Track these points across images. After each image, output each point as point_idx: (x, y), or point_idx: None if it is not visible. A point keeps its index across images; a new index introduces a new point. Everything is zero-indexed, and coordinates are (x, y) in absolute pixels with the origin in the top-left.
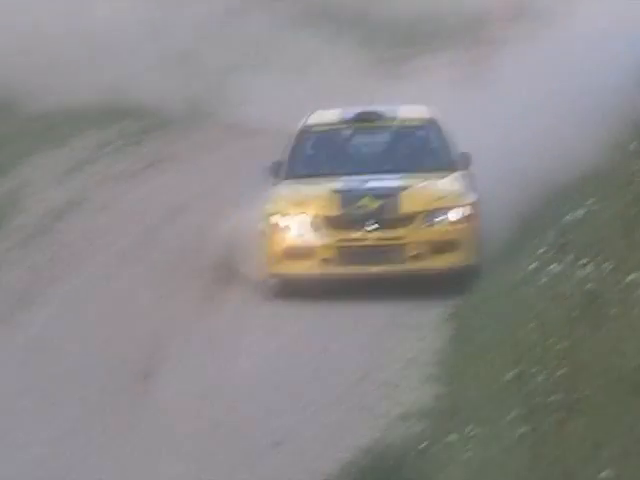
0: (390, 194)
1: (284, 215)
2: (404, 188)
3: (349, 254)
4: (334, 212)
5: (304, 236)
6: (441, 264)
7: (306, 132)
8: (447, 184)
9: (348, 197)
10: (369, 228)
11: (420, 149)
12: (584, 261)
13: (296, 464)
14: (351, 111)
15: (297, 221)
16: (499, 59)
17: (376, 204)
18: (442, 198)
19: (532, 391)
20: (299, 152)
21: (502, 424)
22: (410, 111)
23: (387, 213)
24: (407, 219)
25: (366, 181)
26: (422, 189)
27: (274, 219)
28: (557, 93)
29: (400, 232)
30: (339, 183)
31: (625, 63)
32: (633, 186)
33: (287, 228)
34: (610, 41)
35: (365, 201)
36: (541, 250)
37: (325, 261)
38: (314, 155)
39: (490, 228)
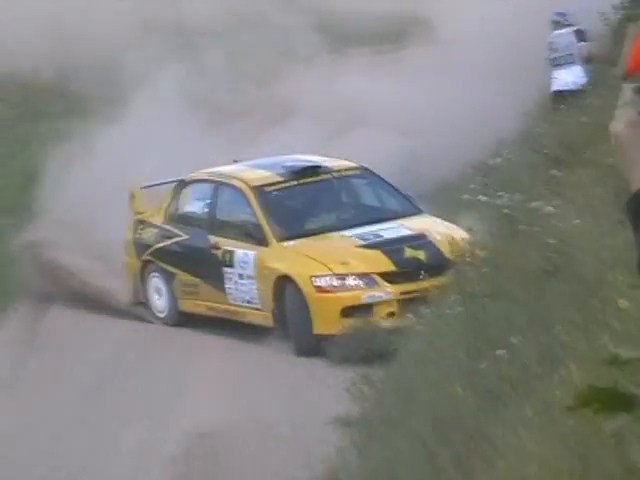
0: (426, 243)
1: (331, 275)
2: (426, 235)
3: (412, 304)
4: (390, 267)
5: (367, 293)
6: None
7: (260, 192)
8: (446, 227)
9: (389, 251)
10: (422, 277)
11: (381, 196)
12: (501, 193)
13: None
14: (286, 165)
15: (352, 280)
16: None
17: (423, 255)
18: (463, 239)
19: (465, 283)
20: (270, 213)
21: (444, 306)
22: (334, 161)
23: (437, 261)
24: (450, 265)
25: (378, 232)
26: (439, 235)
27: (321, 281)
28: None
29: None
30: (354, 239)
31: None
32: (535, 142)
33: (341, 287)
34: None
35: (410, 252)
36: (471, 186)
37: (389, 315)
38: (288, 214)
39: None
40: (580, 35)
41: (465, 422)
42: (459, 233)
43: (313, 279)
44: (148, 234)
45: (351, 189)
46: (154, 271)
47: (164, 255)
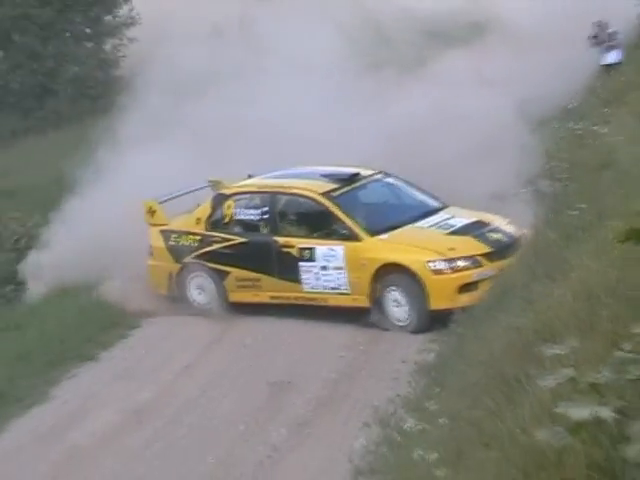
0: (495, 228)
1: (444, 260)
2: (485, 221)
3: None
4: (487, 249)
5: (476, 272)
6: None
7: (329, 197)
8: (481, 214)
9: (477, 236)
10: (505, 255)
11: (417, 195)
12: (575, 122)
13: None
14: (327, 174)
15: (463, 262)
16: None
17: (500, 237)
18: (510, 223)
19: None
20: (347, 213)
21: None
22: (358, 168)
23: (510, 242)
24: (517, 244)
25: (450, 220)
26: (495, 219)
27: (435, 265)
28: None
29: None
30: (436, 229)
31: None
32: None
33: (458, 268)
34: None
35: (492, 236)
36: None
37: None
38: (361, 213)
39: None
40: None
41: (552, 251)
42: (496, 218)
43: (429, 264)
44: (188, 241)
45: (386, 189)
46: (196, 271)
47: (213, 257)
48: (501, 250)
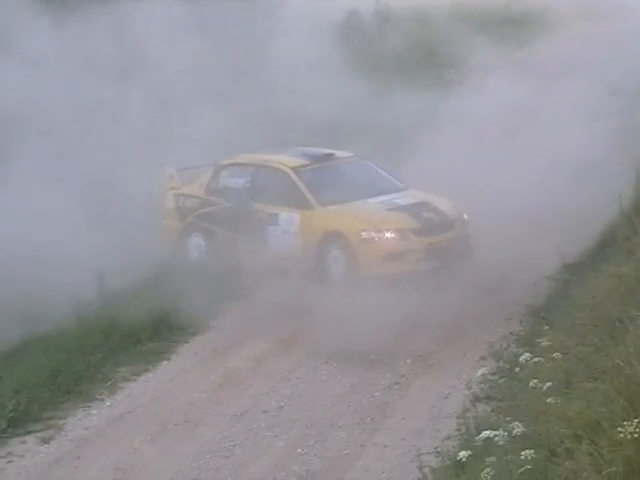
0: (432, 207)
1: (374, 229)
2: (428, 203)
3: (433, 253)
4: (414, 224)
5: (403, 243)
6: (470, 252)
7: (297, 171)
8: (436, 197)
9: (411, 213)
10: (437, 233)
11: (379, 176)
12: None
13: None
14: (305, 153)
15: (390, 234)
16: None
17: (435, 216)
18: (456, 206)
19: None
20: (309, 186)
21: None
22: (338, 152)
23: (445, 221)
24: (453, 224)
25: (394, 200)
26: (438, 203)
27: (367, 233)
28: None
29: (453, 234)
30: (377, 205)
31: None
32: None
33: (383, 239)
34: None
35: (427, 214)
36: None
37: (418, 260)
38: (322, 187)
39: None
40: None
41: None
42: (443, 201)
43: (361, 233)
44: (190, 203)
45: (356, 170)
46: (195, 231)
47: (207, 218)
48: (430, 227)
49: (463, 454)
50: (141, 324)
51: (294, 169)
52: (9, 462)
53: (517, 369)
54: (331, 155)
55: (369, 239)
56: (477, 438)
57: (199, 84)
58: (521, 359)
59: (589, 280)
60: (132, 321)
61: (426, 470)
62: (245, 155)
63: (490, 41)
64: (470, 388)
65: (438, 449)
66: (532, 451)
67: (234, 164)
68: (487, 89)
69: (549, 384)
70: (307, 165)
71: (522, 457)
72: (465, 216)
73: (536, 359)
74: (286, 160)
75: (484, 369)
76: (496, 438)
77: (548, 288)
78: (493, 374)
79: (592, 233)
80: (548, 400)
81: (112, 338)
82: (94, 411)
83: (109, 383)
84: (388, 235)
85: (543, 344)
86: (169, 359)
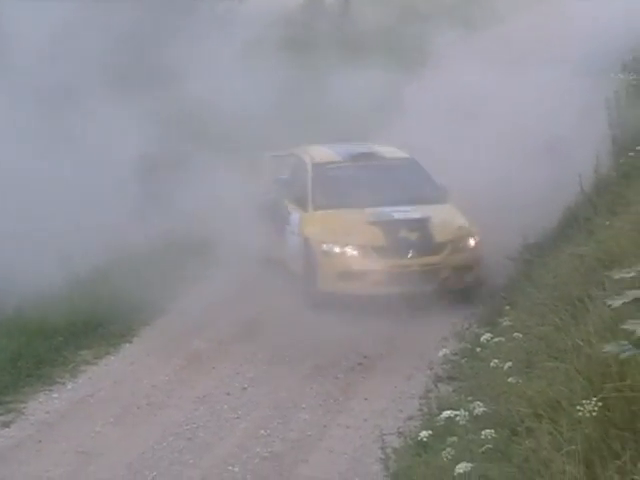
0: (422, 227)
1: (334, 244)
2: (428, 220)
3: (397, 277)
4: (380, 242)
5: (360, 262)
6: (463, 284)
7: (319, 168)
8: (455, 215)
9: (388, 230)
10: (409, 256)
11: (415, 183)
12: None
13: None
14: (348, 150)
15: (349, 249)
16: None
17: (414, 236)
18: (461, 228)
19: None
20: (318, 186)
21: None
22: (389, 151)
23: (425, 243)
24: (439, 248)
25: (391, 213)
26: (442, 221)
27: (326, 247)
28: None
29: (435, 259)
30: (366, 215)
31: None
32: None
33: (340, 255)
34: None
35: (405, 233)
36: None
37: (376, 283)
38: (332, 189)
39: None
40: None
41: (612, 189)
42: (461, 221)
43: (322, 245)
44: (263, 190)
45: (394, 173)
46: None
47: (265, 206)
48: (402, 249)
49: (424, 434)
50: (104, 307)
51: (316, 165)
52: None
53: (478, 349)
54: (370, 154)
55: (328, 252)
56: (438, 418)
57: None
58: (482, 339)
59: (550, 260)
60: (95, 304)
61: (388, 450)
62: (298, 147)
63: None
64: (432, 368)
65: (400, 429)
66: (493, 430)
67: (285, 155)
68: (449, 71)
69: (510, 364)
70: (336, 162)
71: (483, 436)
72: (472, 241)
73: (497, 339)
74: (317, 154)
75: (446, 350)
76: (457, 418)
77: (509, 268)
78: (455, 354)
79: (554, 214)
80: (509, 380)
81: (74, 321)
82: (55, 394)
83: (70, 366)
84: (348, 251)
85: (504, 324)
86: (131, 342)
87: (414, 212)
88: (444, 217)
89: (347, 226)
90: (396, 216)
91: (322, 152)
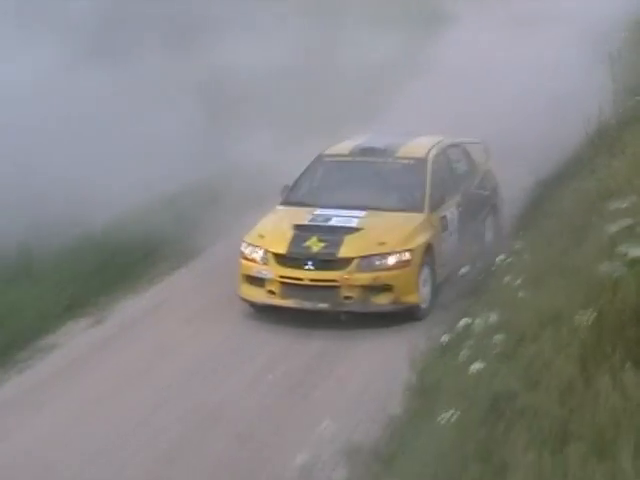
0: (335, 238)
1: (249, 244)
2: (353, 231)
3: (290, 289)
4: (281, 250)
5: (258, 268)
6: (374, 305)
7: (318, 161)
8: (400, 227)
9: (299, 237)
10: (306, 268)
11: (398, 188)
12: None
13: None
14: (364, 143)
15: (256, 252)
16: None
17: (319, 247)
18: (383, 244)
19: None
20: (302, 179)
21: None
22: (413, 147)
23: (326, 256)
24: (343, 263)
25: (329, 218)
26: (367, 233)
27: (243, 246)
28: None
29: (334, 275)
30: (305, 217)
31: None
32: None
33: (249, 257)
34: None
35: (311, 242)
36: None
37: (270, 292)
38: (311, 184)
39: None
40: None
41: (612, 133)
42: (407, 236)
43: (242, 244)
44: None
45: (383, 175)
46: None
47: None
48: (301, 258)
49: (445, 338)
50: (174, 229)
51: (320, 157)
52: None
53: (493, 268)
54: (378, 150)
55: (242, 254)
56: (458, 326)
57: None
58: (497, 259)
59: (557, 194)
60: (167, 226)
61: (416, 353)
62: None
63: None
64: (455, 284)
65: (428, 335)
66: (503, 336)
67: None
68: (465, 30)
69: (520, 280)
70: (342, 156)
71: (494, 341)
72: (392, 259)
73: (509, 259)
74: (339, 147)
75: (467, 267)
76: (473, 325)
77: (523, 200)
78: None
79: (562, 154)
80: (519, 294)
81: (151, 239)
82: (137, 299)
83: (148, 278)
84: (254, 255)
85: (516, 247)
86: (200, 257)
87: (354, 219)
88: (386, 229)
89: (278, 227)
90: (331, 222)
91: (342, 144)
